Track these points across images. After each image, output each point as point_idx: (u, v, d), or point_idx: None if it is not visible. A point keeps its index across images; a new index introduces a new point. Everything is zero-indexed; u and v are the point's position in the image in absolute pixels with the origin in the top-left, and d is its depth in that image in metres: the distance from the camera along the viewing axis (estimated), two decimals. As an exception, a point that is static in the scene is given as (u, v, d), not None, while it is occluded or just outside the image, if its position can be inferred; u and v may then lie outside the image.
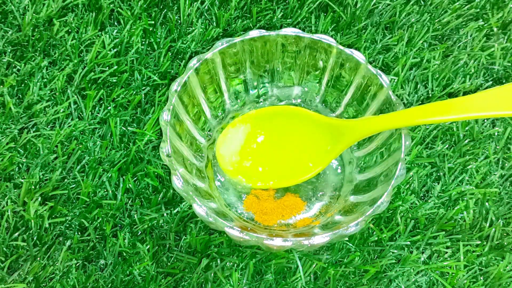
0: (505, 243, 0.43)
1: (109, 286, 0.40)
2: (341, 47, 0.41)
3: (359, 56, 0.41)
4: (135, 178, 0.43)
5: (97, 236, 0.41)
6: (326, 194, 0.43)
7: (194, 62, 0.41)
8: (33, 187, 0.42)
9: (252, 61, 0.44)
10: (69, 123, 0.45)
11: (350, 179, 0.43)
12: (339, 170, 0.44)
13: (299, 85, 0.45)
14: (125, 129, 0.45)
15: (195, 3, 0.49)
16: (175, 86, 0.40)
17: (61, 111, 0.45)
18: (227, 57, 0.42)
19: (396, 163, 0.38)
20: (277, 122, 0.42)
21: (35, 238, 0.41)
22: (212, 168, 0.44)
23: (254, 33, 0.42)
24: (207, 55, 0.41)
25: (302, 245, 0.36)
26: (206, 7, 0.50)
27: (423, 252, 0.43)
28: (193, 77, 0.41)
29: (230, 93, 0.45)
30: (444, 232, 0.43)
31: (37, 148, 0.43)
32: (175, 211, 0.42)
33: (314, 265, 0.41)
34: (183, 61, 0.48)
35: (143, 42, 0.48)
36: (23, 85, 0.46)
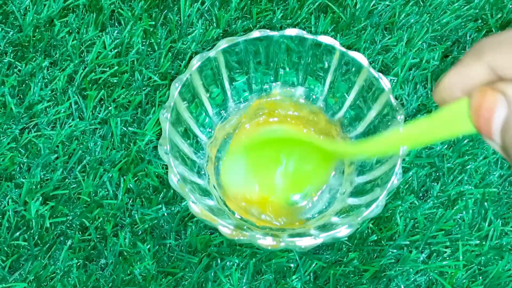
0: (504, 243, 0.43)
1: (110, 285, 0.40)
2: (344, 49, 0.42)
3: (361, 58, 0.41)
4: (135, 178, 0.43)
5: (98, 236, 0.41)
6: (325, 195, 0.43)
7: (196, 60, 0.41)
8: (34, 187, 0.42)
9: (256, 61, 0.44)
10: (70, 123, 0.45)
11: (349, 181, 0.43)
12: (339, 172, 0.44)
13: (302, 85, 0.45)
14: (125, 129, 0.45)
15: (195, 4, 0.49)
16: (177, 83, 0.40)
17: (62, 111, 0.45)
18: (230, 55, 0.42)
19: (393, 167, 0.38)
20: (271, 150, 0.41)
21: (36, 237, 0.41)
22: (213, 165, 0.44)
23: (257, 33, 0.42)
24: (210, 53, 0.41)
25: (296, 245, 0.36)
26: (206, 8, 0.50)
27: (422, 252, 0.43)
28: (195, 75, 0.41)
29: (232, 92, 0.45)
30: (443, 232, 0.43)
31: (38, 148, 0.43)
32: (175, 211, 0.42)
33: (314, 265, 0.41)
34: (184, 61, 0.48)
35: (144, 43, 0.48)
36: (24, 85, 0.46)
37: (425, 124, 0.28)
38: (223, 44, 0.41)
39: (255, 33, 0.42)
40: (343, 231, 0.37)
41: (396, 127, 0.40)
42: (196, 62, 0.41)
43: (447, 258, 0.43)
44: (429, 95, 0.48)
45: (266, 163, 0.39)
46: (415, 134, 0.29)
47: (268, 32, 0.42)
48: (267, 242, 0.36)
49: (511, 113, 0.23)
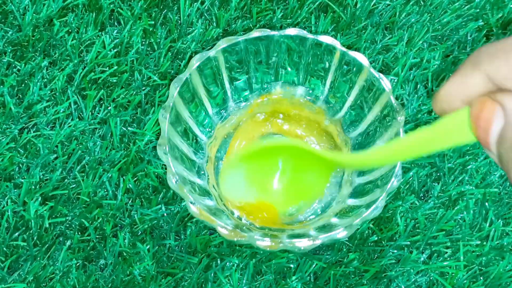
0: (505, 243, 0.43)
1: (109, 286, 0.40)
2: (344, 49, 0.41)
3: (362, 59, 0.41)
4: (135, 178, 0.43)
5: (97, 236, 0.41)
6: (324, 199, 0.43)
7: (196, 59, 0.41)
8: (33, 187, 0.42)
9: (256, 60, 0.44)
10: (69, 123, 0.45)
11: (349, 182, 0.43)
12: (339, 173, 0.44)
13: (302, 85, 0.45)
14: (125, 129, 0.45)
15: (195, 3, 0.49)
16: (176, 83, 0.40)
17: (61, 111, 0.45)
18: (230, 55, 0.42)
19: (393, 167, 0.38)
20: (271, 160, 0.40)
21: (35, 238, 0.41)
22: (213, 165, 0.44)
23: (258, 32, 0.42)
24: (211, 52, 0.41)
25: (295, 246, 0.36)
26: (206, 8, 0.50)
27: (423, 252, 0.43)
28: (195, 74, 0.41)
29: (233, 91, 0.45)
30: (444, 232, 0.43)
31: (37, 148, 0.43)
32: (175, 211, 0.42)
33: (314, 265, 0.41)
34: (183, 61, 0.48)
35: (143, 42, 0.48)
36: (23, 85, 0.46)
37: (426, 134, 0.27)
38: (223, 43, 0.41)
39: (255, 33, 0.42)
40: (342, 232, 0.37)
41: (396, 133, 0.39)
42: (196, 62, 0.41)
43: (448, 259, 0.42)
44: (430, 95, 0.48)
45: (264, 173, 0.39)
46: (416, 144, 0.28)
47: (269, 32, 0.42)
48: (265, 243, 0.36)
49: (507, 124, 0.23)
